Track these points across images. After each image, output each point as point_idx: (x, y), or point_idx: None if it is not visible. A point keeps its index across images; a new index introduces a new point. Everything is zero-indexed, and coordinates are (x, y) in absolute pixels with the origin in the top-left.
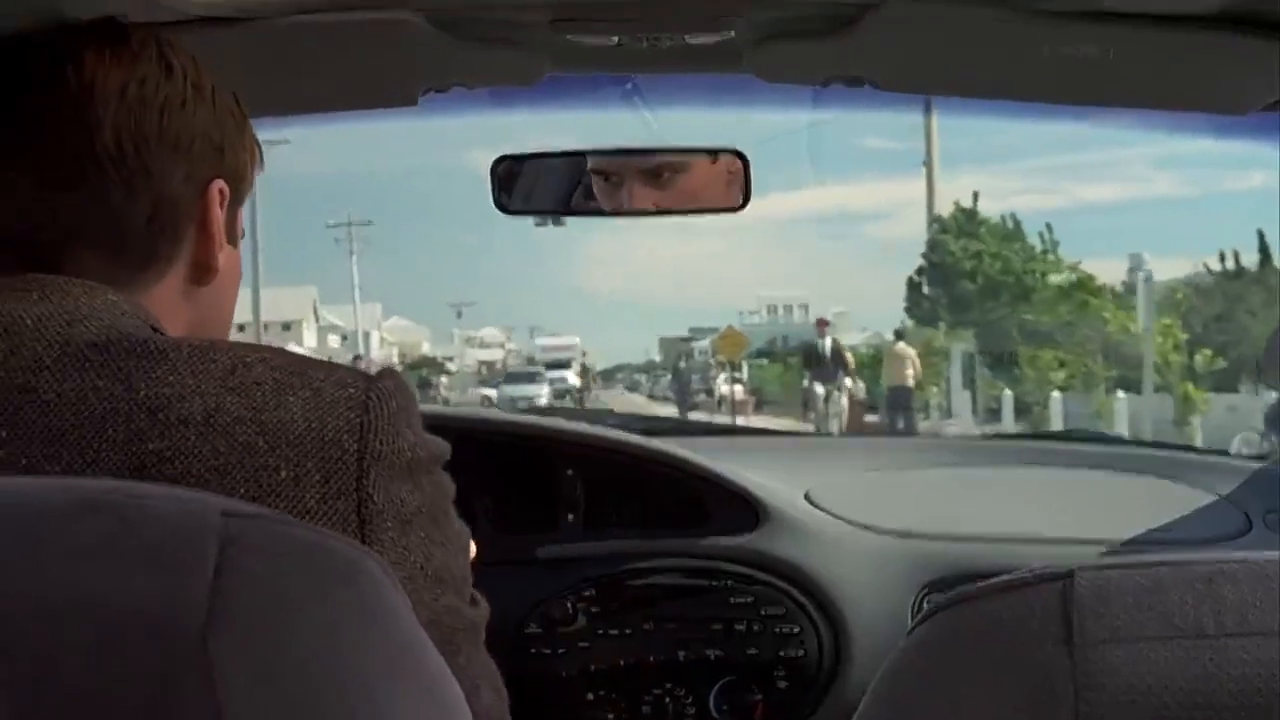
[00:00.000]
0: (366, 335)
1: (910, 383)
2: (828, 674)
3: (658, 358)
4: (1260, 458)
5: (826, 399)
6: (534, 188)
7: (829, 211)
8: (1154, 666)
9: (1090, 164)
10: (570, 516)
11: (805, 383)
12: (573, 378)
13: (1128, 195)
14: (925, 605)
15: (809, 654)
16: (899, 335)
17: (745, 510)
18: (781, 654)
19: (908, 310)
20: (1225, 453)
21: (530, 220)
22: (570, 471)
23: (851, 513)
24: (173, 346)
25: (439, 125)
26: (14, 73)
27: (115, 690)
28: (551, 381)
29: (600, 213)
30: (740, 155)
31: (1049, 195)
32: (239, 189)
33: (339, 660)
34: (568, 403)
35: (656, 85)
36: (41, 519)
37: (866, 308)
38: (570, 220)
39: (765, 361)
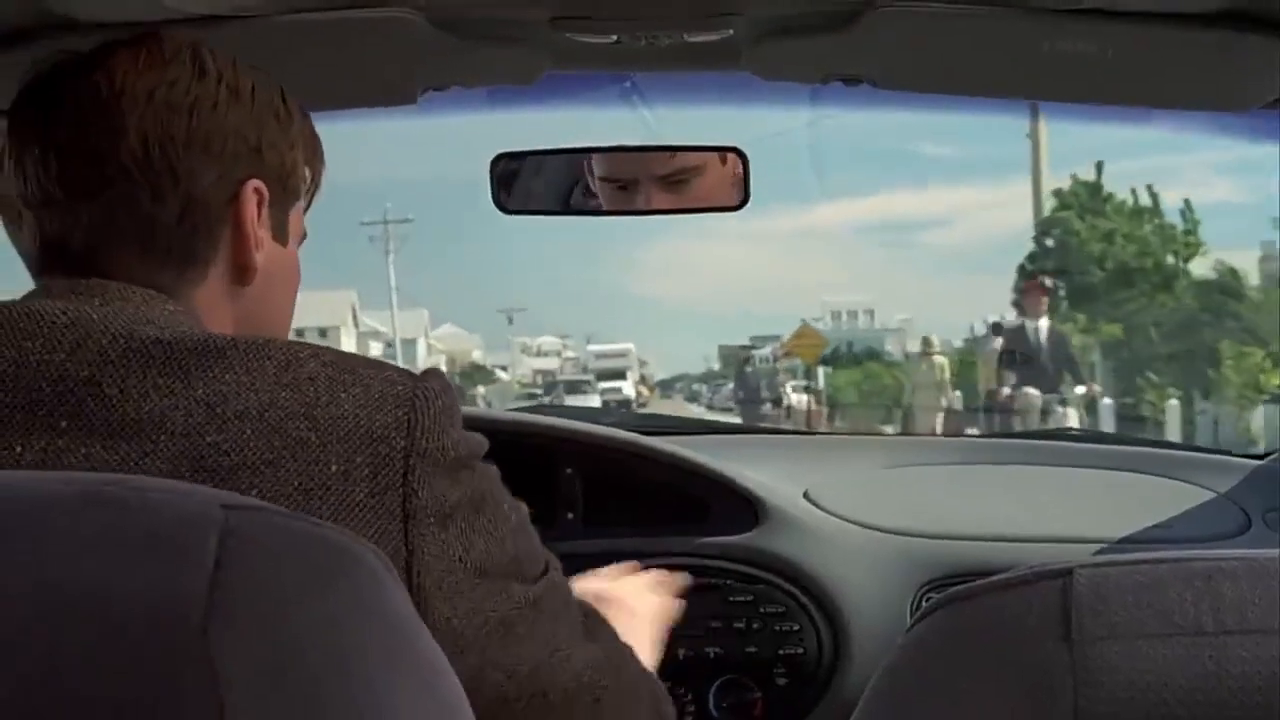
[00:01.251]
0: (412, 343)
1: None
2: (827, 672)
3: (717, 366)
4: (1259, 456)
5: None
6: (533, 186)
7: (887, 219)
8: (1153, 663)
9: (1150, 169)
10: (569, 514)
11: (1007, 387)
12: (628, 388)
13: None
14: (924, 603)
15: (808, 652)
16: (998, 330)
17: (744, 508)
18: (781, 652)
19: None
20: (1225, 451)
21: (585, 225)
22: (569, 469)
23: (851, 511)
24: (229, 345)
25: (481, 122)
26: (50, 87)
27: (116, 681)
28: (604, 393)
29: (599, 211)
30: (740, 153)
31: None
32: (285, 188)
33: (338, 651)
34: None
35: (655, 83)
36: (43, 511)
37: (927, 315)
38: (625, 226)
39: (831, 369)
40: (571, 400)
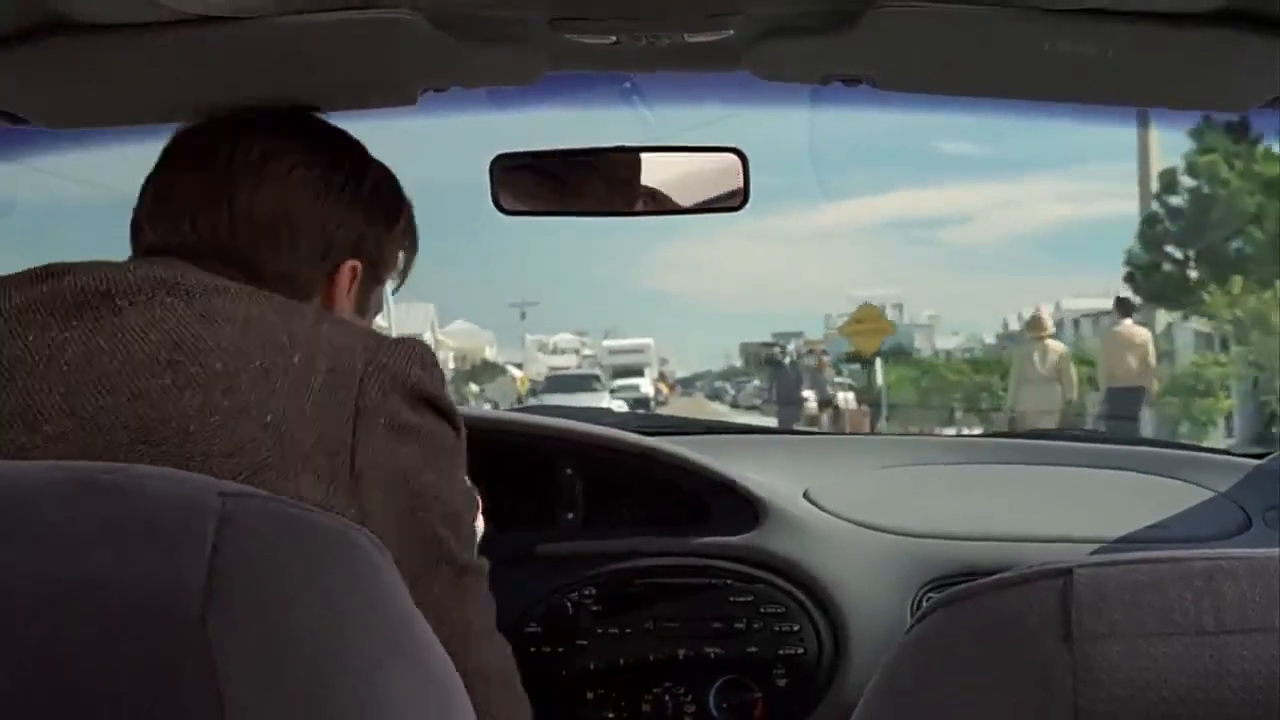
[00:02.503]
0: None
1: (1144, 380)
2: (827, 672)
3: (739, 363)
4: (1259, 455)
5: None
6: (532, 187)
7: (907, 216)
8: (1153, 662)
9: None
10: (570, 515)
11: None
12: (646, 385)
13: None
14: (925, 603)
15: (808, 652)
16: (1126, 308)
17: (745, 508)
18: (781, 652)
19: (1130, 279)
20: (1225, 451)
21: (599, 222)
22: (569, 470)
23: (851, 511)
24: (238, 286)
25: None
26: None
27: (116, 669)
28: (615, 391)
29: (598, 212)
30: (740, 154)
31: (1129, 200)
32: (379, 272)
33: (335, 637)
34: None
35: (655, 84)
36: (40, 500)
37: (952, 312)
38: (640, 223)
39: (857, 366)
40: (578, 400)
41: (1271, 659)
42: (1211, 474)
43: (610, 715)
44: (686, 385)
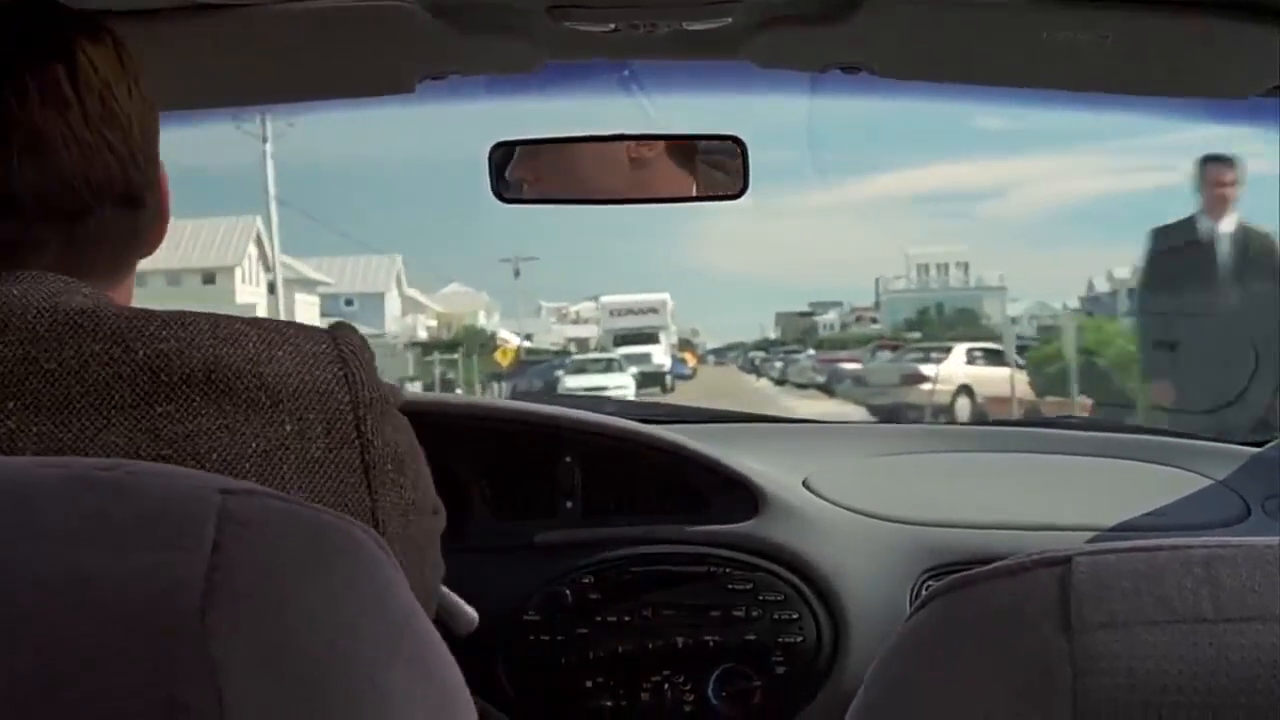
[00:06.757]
0: (376, 297)
1: None
2: (826, 660)
3: (773, 334)
4: (1258, 443)
5: None
6: (531, 174)
7: (940, 191)
8: (1152, 651)
9: (1206, 139)
10: (569, 503)
11: None
12: (661, 354)
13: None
14: (924, 591)
15: (807, 640)
16: None
17: (744, 497)
18: (780, 640)
19: None
20: (1225, 439)
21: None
22: (568, 458)
23: (850, 499)
24: (151, 311)
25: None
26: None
27: (114, 668)
28: (625, 363)
29: (597, 200)
30: (738, 141)
31: (1168, 172)
32: None
33: (337, 636)
34: (658, 395)
35: (653, 72)
36: (38, 497)
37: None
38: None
39: (917, 335)
40: (571, 382)
41: (1271, 647)
42: (1210, 462)
43: (609, 703)
44: (719, 355)
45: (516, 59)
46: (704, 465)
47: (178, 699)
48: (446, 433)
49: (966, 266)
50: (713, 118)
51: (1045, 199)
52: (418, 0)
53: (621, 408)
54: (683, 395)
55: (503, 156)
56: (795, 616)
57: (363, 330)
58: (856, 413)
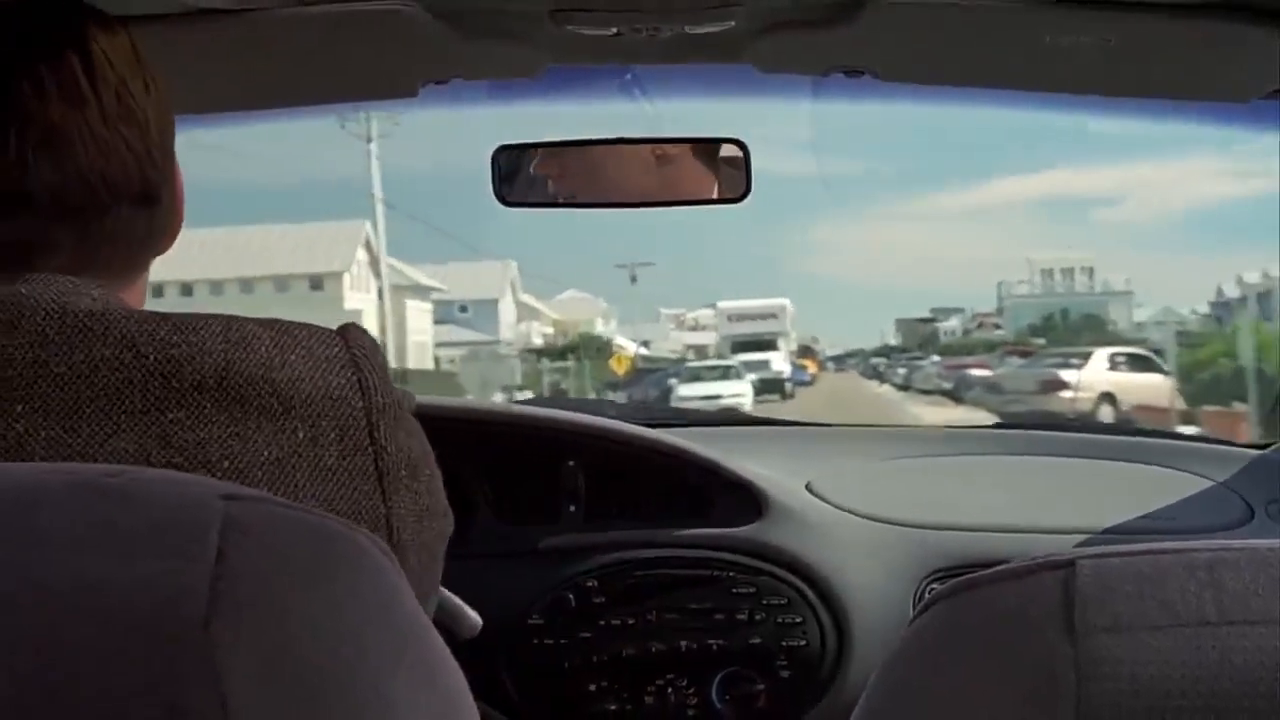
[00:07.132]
0: (491, 304)
1: None
2: (830, 664)
3: (893, 341)
4: (1261, 446)
5: None
6: (535, 178)
7: (1056, 196)
8: (1156, 654)
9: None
10: (572, 507)
11: None
12: (780, 361)
13: None
14: (927, 594)
15: (811, 644)
16: None
17: (747, 501)
18: (784, 644)
19: None
20: (1228, 442)
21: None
22: (572, 462)
23: (853, 503)
24: (162, 314)
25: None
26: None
27: (118, 676)
28: (744, 370)
29: (601, 204)
30: (741, 144)
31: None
32: None
33: (341, 644)
34: (777, 402)
35: (656, 75)
36: (44, 504)
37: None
38: (785, 204)
39: (1042, 341)
40: (685, 390)
41: (1274, 650)
42: (1214, 465)
43: (613, 707)
44: (839, 362)
45: (519, 63)
46: (707, 469)
47: (181, 707)
48: (450, 436)
49: (1091, 271)
50: (716, 121)
51: (1164, 203)
52: (421, 5)
53: (624, 411)
54: (803, 402)
55: (506, 160)
56: (799, 620)
57: (476, 337)
58: (989, 421)
